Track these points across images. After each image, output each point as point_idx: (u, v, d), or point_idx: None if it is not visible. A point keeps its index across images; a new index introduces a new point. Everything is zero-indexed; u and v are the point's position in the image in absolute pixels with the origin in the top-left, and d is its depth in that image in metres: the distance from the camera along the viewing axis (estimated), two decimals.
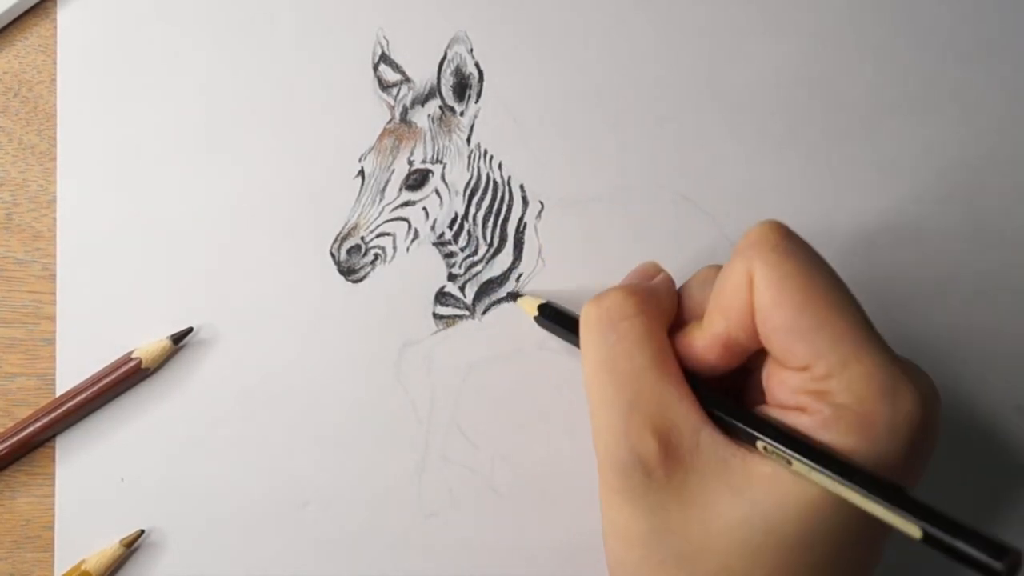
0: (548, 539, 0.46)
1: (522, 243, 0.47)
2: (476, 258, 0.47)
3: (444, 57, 0.48)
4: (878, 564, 0.39)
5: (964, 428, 0.47)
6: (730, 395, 0.40)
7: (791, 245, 0.37)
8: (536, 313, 0.46)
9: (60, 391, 0.46)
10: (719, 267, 0.39)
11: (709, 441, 0.37)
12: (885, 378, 0.35)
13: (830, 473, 0.34)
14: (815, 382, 0.35)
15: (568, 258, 0.47)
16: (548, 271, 0.47)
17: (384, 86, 0.48)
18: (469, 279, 0.47)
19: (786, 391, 0.36)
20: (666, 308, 0.40)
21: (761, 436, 0.36)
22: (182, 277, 0.47)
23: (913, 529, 0.32)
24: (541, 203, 0.48)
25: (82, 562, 0.45)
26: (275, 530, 0.46)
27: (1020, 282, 0.48)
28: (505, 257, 0.47)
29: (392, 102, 0.48)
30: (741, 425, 0.37)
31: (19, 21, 0.48)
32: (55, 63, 0.48)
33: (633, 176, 0.48)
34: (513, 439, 0.47)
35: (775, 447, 0.35)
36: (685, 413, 0.37)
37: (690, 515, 0.36)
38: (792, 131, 0.48)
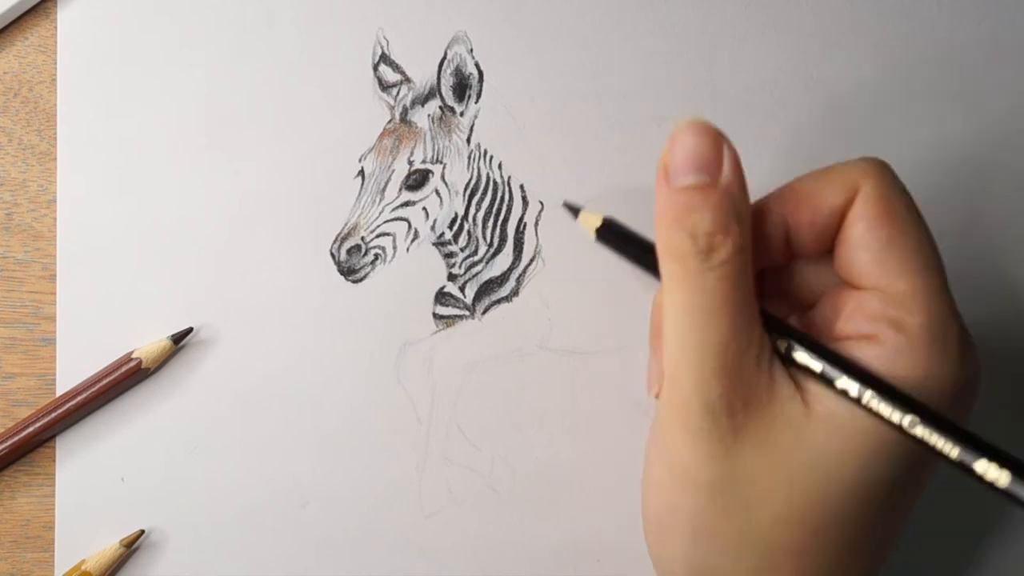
0: (548, 539, 0.47)
1: (522, 243, 0.47)
2: (476, 258, 0.47)
3: (444, 57, 0.48)
4: (913, 510, 0.39)
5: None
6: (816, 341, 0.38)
7: (898, 179, 0.37)
8: (594, 236, 0.41)
9: (60, 391, 0.46)
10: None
11: (778, 383, 0.36)
12: (956, 321, 0.35)
13: (904, 411, 0.34)
14: (893, 305, 0.35)
15: (568, 258, 0.47)
16: (548, 271, 0.47)
17: (384, 86, 0.48)
18: (469, 279, 0.47)
19: (860, 318, 0.36)
20: (750, 227, 0.37)
21: (839, 373, 0.35)
22: (182, 277, 0.47)
23: (1000, 475, 0.32)
24: (541, 203, 0.48)
25: (82, 562, 0.45)
26: (275, 530, 0.46)
27: (1020, 283, 0.48)
28: (505, 257, 0.47)
29: (392, 102, 0.48)
30: (818, 363, 0.36)
31: (19, 21, 0.48)
32: (55, 63, 0.48)
33: (633, 176, 0.48)
34: (513, 439, 0.47)
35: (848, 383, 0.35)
36: (763, 358, 0.36)
37: (758, 461, 0.36)
38: (792, 131, 0.48)
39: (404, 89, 0.48)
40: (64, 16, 0.48)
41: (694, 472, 0.37)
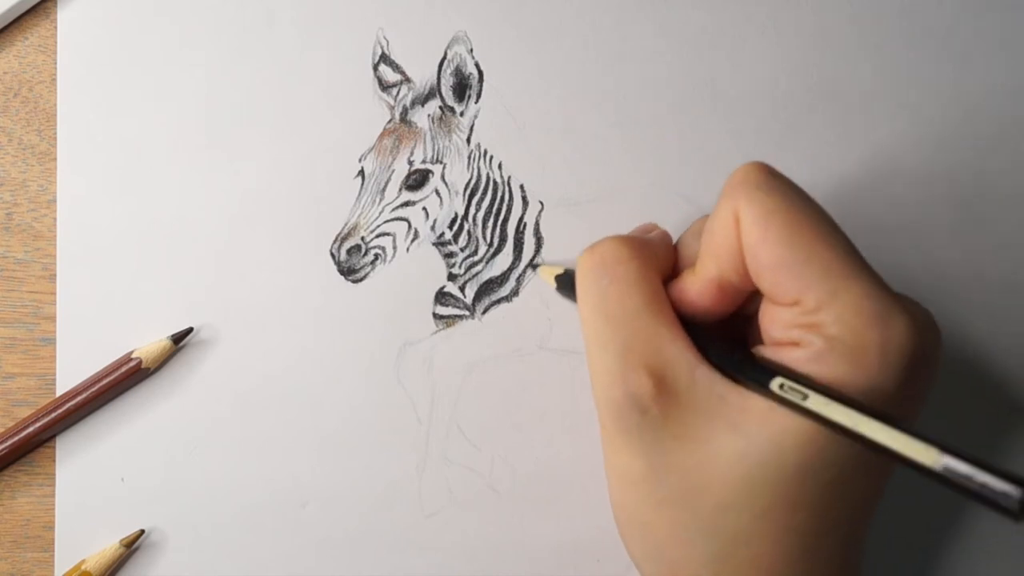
0: (548, 539, 0.47)
1: (522, 243, 0.47)
2: (476, 258, 0.47)
3: (444, 57, 0.48)
4: (879, 501, 0.39)
5: (961, 430, 0.47)
6: (733, 342, 0.39)
7: (775, 182, 0.37)
8: (555, 284, 0.46)
9: (60, 391, 0.46)
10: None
11: (705, 378, 0.37)
12: (875, 306, 0.35)
13: (824, 404, 0.34)
14: (806, 315, 0.35)
15: (568, 258, 0.47)
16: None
17: (384, 86, 0.48)
18: (469, 279, 0.47)
19: (779, 327, 0.36)
20: (661, 257, 0.40)
21: (755, 376, 0.36)
22: (182, 277, 0.47)
23: (928, 455, 0.31)
24: (541, 203, 0.48)
25: (82, 562, 0.45)
26: (275, 530, 0.46)
27: (1020, 283, 0.48)
28: (505, 257, 0.47)
29: (392, 102, 0.48)
30: (730, 364, 0.37)
31: (19, 21, 0.48)
32: (55, 63, 0.48)
33: (633, 176, 0.48)
34: (513, 439, 0.47)
35: (783, 385, 0.35)
36: (679, 352, 0.37)
37: (687, 452, 0.36)
38: (791, 131, 0.48)
39: (404, 89, 0.48)
40: (64, 16, 0.48)
41: (629, 469, 0.38)
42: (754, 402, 0.36)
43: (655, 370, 0.37)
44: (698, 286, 0.39)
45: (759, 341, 0.39)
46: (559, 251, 0.47)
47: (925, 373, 0.36)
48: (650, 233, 0.42)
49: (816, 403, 0.34)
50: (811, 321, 0.35)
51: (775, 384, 0.35)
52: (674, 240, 0.42)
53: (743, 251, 0.36)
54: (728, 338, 0.39)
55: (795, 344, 0.36)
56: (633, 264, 0.39)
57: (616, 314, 0.38)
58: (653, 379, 0.37)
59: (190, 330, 0.47)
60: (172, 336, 0.46)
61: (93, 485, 0.46)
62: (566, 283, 0.45)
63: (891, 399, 0.34)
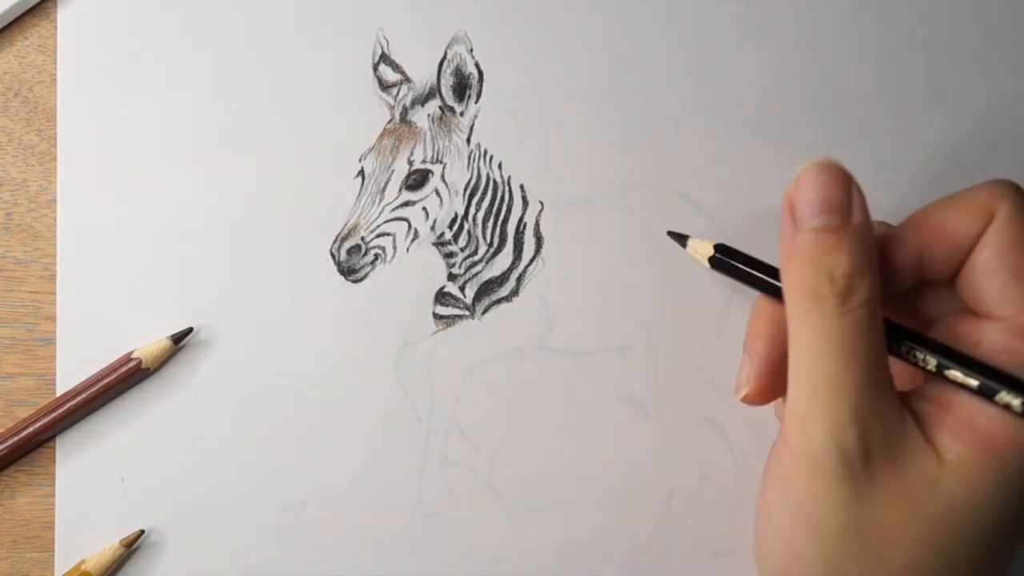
0: (548, 539, 0.47)
1: (522, 243, 0.47)
2: (476, 258, 0.47)
3: (444, 57, 0.48)
4: None
5: None
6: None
7: None
8: (711, 255, 0.42)
9: (60, 391, 0.46)
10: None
11: (915, 437, 0.36)
12: None
13: None
14: (1015, 336, 0.35)
15: (568, 258, 0.47)
16: (548, 271, 0.47)
17: (384, 86, 0.48)
18: (469, 279, 0.47)
19: (989, 347, 0.36)
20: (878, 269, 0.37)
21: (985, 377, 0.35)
22: (182, 277, 0.47)
23: None
24: (541, 203, 0.48)
25: (82, 562, 0.45)
26: (275, 530, 0.46)
27: None
28: (505, 257, 0.47)
29: (392, 102, 0.48)
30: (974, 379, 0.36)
31: (19, 21, 0.48)
32: (55, 63, 0.48)
33: (633, 176, 0.48)
34: (513, 439, 0.47)
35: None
36: (891, 402, 0.36)
37: (895, 510, 0.35)
38: (792, 131, 0.48)
39: (404, 89, 0.48)
40: (64, 16, 0.48)
41: (825, 519, 0.36)
42: (959, 461, 0.35)
43: (871, 422, 0.35)
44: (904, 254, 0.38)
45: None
46: (559, 251, 0.47)
47: None
48: (856, 212, 0.36)
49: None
50: (1018, 347, 0.35)
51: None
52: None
53: (976, 246, 0.36)
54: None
55: None
56: (872, 305, 0.35)
57: (847, 355, 0.35)
58: (868, 432, 0.35)
59: (190, 330, 0.47)
60: (172, 336, 0.46)
61: (93, 485, 0.46)
62: (726, 264, 0.42)
63: None
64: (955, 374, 0.36)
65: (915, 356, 0.37)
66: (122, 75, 0.48)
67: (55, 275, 0.47)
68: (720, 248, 0.42)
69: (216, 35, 0.48)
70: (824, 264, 0.35)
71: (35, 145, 0.48)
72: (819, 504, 0.36)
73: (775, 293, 0.39)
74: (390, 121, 0.48)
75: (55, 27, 0.48)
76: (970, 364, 0.35)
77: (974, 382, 0.35)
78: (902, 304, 0.40)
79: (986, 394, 0.35)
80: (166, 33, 0.48)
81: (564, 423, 0.47)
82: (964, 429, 0.35)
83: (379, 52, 0.48)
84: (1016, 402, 0.34)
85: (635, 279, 0.47)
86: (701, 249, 0.43)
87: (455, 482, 0.47)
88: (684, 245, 0.44)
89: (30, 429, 0.45)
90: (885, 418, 0.35)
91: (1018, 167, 0.48)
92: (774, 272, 0.40)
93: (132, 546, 0.46)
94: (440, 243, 0.47)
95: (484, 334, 0.47)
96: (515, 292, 0.47)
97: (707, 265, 0.42)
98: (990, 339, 0.36)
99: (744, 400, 0.40)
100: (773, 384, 0.39)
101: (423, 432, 0.47)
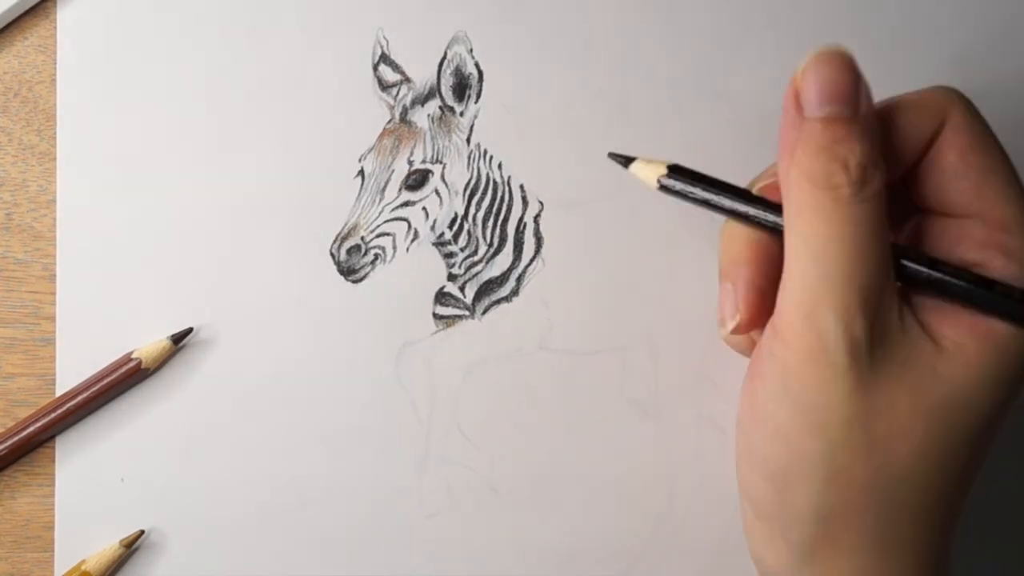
0: (548, 539, 0.47)
1: (522, 243, 0.47)
2: (476, 258, 0.47)
3: (444, 57, 0.48)
4: None
5: None
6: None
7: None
8: (662, 177, 0.40)
9: (60, 391, 0.46)
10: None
11: (912, 325, 0.36)
12: None
13: None
14: (998, 232, 0.36)
15: (568, 258, 0.47)
16: (548, 271, 0.47)
17: (384, 86, 0.48)
18: (469, 279, 0.47)
19: (966, 247, 0.36)
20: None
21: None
22: (182, 277, 0.47)
23: None
24: (541, 203, 0.48)
25: (82, 562, 0.45)
26: (275, 530, 0.46)
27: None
28: (505, 257, 0.47)
29: (392, 102, 0.48)
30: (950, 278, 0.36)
31: (19, 21, 0.48)
32: (55, 63, 0.48)
33: (633, 176, 0.48)
34: (513, 439, 0.47)
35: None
36: (892, 294, 0.36)
37: (900, 397, 0.35)
38: None
39: (404, 89, 0.48)
40: (64, 16, 0.48)
41: (830, 411, 0.36)
42: (955, 347, 0.36)
43: (878, 312, 0.35)
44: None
45: None
46: (559, 251, 0.47)
47: None
48: (863, 100, 0.36)
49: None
50: (1000, 239, 0.36)
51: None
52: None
53: (934, 148, 0.37)
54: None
55: (977, 266, 0.36)
56: (882, 195, 0.35)
57: (862, 243, 0.34)
58: (875, 321, 0.35)
59: (190, 330, 0.47)
60: (172, 336, 0.46)
61: (93, 485, 0.46)
62: (678, 185, 0.40)
63: None
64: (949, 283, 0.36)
65: (906, 270, 0.37)
66: (122, 75, 0.48)
67: (55, 275, 0.47)
68: (674, 168, 0.40)
69: (216, 35, 0.48)
70: (838, 152, 0.34)
71: (35, 145, 0.48)
72: (824, 395, 0.36)
73: (742, 216, 0.39)
74: (390, 121, 0.48)
75: (55, 27, 0.48)
76: (961, 276, 0.36)
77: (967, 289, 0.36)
78: None
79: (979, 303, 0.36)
80: (166, 33, 0.48)
81: (564, 423, 0.47)
82: (961, 319, 0.36)
83: (379, 52, 0.48)
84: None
85: (635, 279, 0.47)
86: (649, 171, 0.40)
87: (455, 482, 0.47)
88: (627, 167, 0.41)
89: (30, 429, 0.45)
90: (888, 309, 0.35)
91: (1017, 166, 0.48)
92: (741, 193, 0.39)
93: (132, 546, 0.46)
94: (440, 243, 0.47)
95: (484, 334, 0.47)
96: (515, 292, 0.47)
97: (654, 187, 0.40)
98: (971, 235, 0.36)
99: (735, 331, 0.39)
100: (763, 310, 0.39)
101: (423, 432, 0.47)
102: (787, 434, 0.37)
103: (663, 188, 0.40)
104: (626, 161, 0.41)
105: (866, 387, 0.35)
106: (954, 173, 0.36)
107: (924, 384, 0.35)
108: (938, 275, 0.36)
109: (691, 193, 0.39)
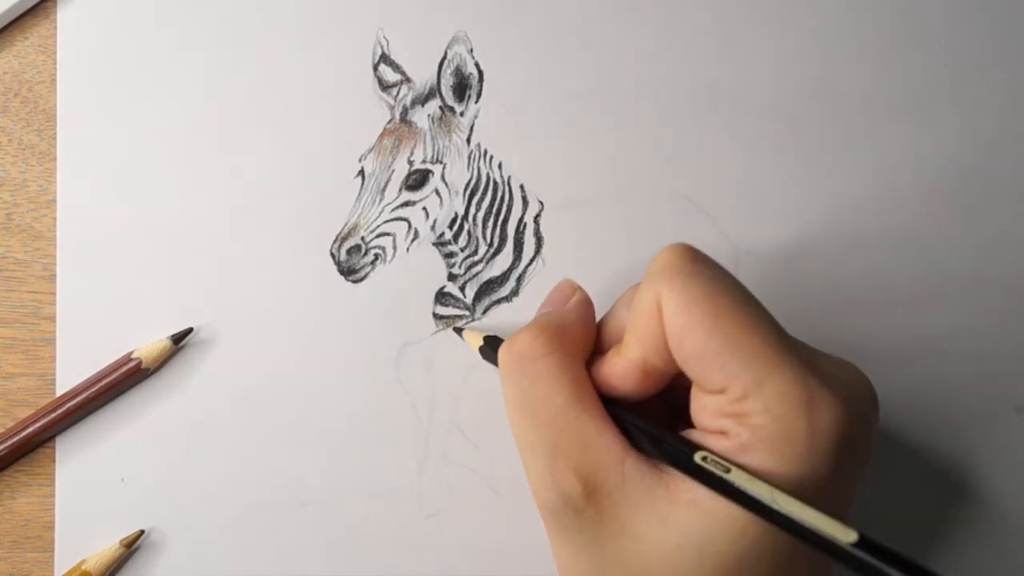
0: (547, 539, 0.46)
1: (522, 243, 0.47)
2: (476, 258, 0.47)
3: (444, 57, 0.48)
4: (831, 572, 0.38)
5: (964, 429, 0.47)
6: (658, 423, 0.38)
7: (697, 268, 0.36)
8: (479, 352, 0.45)
9: (60, 391, 0.46)
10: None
11: (633, 471, 0.36)
12: (800, 393, 0.34)
13: (747, 480, 0.33)
14: (732, 404, 0.34)
15: (568, 258, 0.47)
16: (548, 271, 0.47)
17: (384, 86, 0.48)
18: (469, 279, 0.47)
19: (707, 415, 0.36)
20: (580, 338, 0.40)
21: (679, 456, 0.35)
22: (182, 277, 0.47)
23: (845, 534, 0.31)
24: (541, 203, 0.48)
25: (82, 562, 0.45)
26: (275, 530, 0.46)
27: (1019, 283, 0.48)
28: (505, 257, 0.48)
29: (392, 102, 0.48)
30: (655, 446, 0.36)
31: (19, 21, 0.48)
32: (55, 63, 0.48)
33: (633, 176, 0.48)
34: (513, 439, 0.47)
35: (706, 457, 0.34)
36: (607, 447, 0.36)
37: (625, 548, 0.36)
38: (791, 131, 0.48)
39: (404, 89, 0.48)
40: (64, 16, 0.48)
41: (573, 563, 0.37)
42: (682, 493, 0.35)
43: (584, 472, 0.36)
44: (621, 368, 0.38)
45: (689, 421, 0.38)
46: (559, 251, 0.47)
47: (858, 456, 0.36)
48: (570, 300, 0.41)
49: (739, 477, 0.33)
50: (738, 410, 0.34)
51: (699, 456, 0.34)
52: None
53: (667, 338, 0.36)
54: (655, 418, 0.38)
55: (723, 433, 0.35)
56: (552, 359, 0.38)
57: (541, 415, 0.37)
58: (583, 482, 0.36)
59: (190, 330, 0.47)
60: (172, 336, 0.46)
61: (93, 485, 0.46)
62: (490, 353, 0.44)
63: (823, 486, 0.34)
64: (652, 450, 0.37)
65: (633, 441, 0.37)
66: (122, 75, 0.48)
67: (55, 275, 0.47)
68: (489, 340, 0.45)
69: (216, 35, 0.48)
70: (513, 350, 0.39)
71: (35, 145, 0.48)
72: (562, 550, 0.38)
73: None
74: (390, 121, 0.48)
75: (55, 27, 0.48)
76: (659, 441, 0.37)
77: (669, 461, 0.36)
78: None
79: (685, 469, 0.35)
80: (165, 33, 0.48)
81: None
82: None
83: (379, 52, 0.48)
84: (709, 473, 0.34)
85: (635, 279, 0.47)
86: (469, 340, 0.46)
87: (455, 482, 0.47)
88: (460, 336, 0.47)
89: (30, 429, 0.45)
90: (605, 463, 0.36)
91: (1017, 166, 0.48)
92: None
93: (132, 546, 0.46)
94: (440, 243, 0.47)
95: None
96: (515, 292, 0.47)
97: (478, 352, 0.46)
98: (710, 406, 0.36)
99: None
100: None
101: (423, 432, 0.47)
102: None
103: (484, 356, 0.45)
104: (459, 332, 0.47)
105: (593, 541, 0.36)
106: (680, 361, 0.36)
107: (653, 535, 0.35)
108: (656, 449, 0.36)
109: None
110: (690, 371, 0.36)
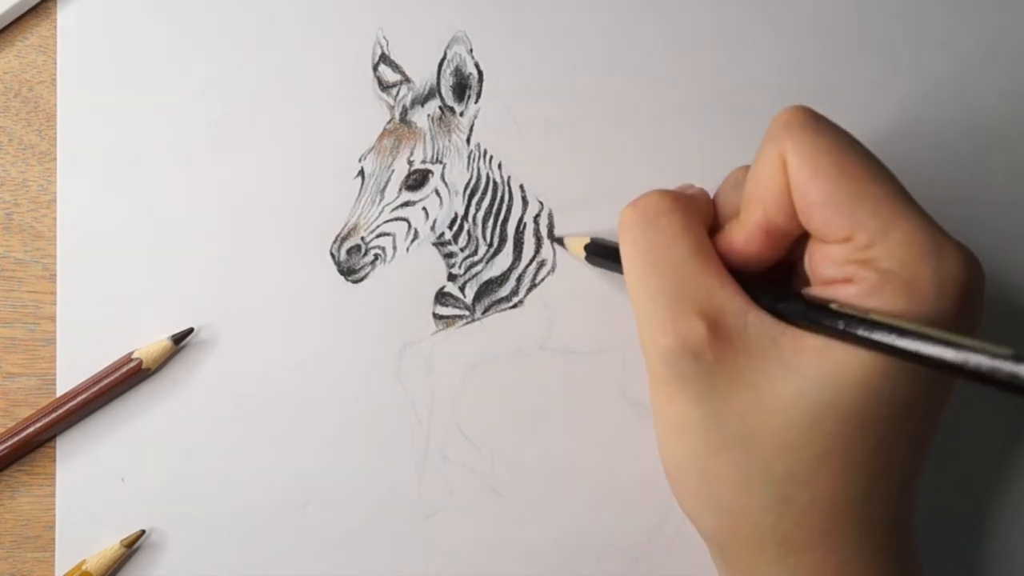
0: (548, 539, 0.47)
1: (522, 243, 0.47)
2: (476, 258, 0.47)
3: (444, 57, 0.48)
4: (933, 439, 0.39)
5: (964, 429, 0.47)
6: (782, 286, 0.39)
7: (820, 123, 0.37)
8: (584, 254, 0.46)
9: (60, 391, 0.46)
10: (748, 167, 0.39)
11: (756, 321, 0.37)
12: (927, 240, 0.35)
13: (889, 333, 0.34)
14: (859, 251, 0.35)
15: (568, 258, 0.47)
16: (547, 271, 0.47)
17: (384, 86, 0.48)
18: (469, 279, 0.47)
19: (830, 265, 0.36)
20: (703, 208, 0.40)
21: (808, 314, 0.36)
22: (183, 277, 0.47)
23: (1003, 351, 0.32)
24: (541, 203, 0.48)
25: (83, 562, 0.45)
26: (275, 530, 0.46)
27: (1020, 283, 0.48)
28: (505, 257, 0.48)
29: (392, 102, 0.48)
30: (783, 305, 0.37)
31: (19, 21, 0.48)
32: (55, 63, 0.48)
33: (633, 176, 0.48)
34: (513, 439, 0.47)
35: (840, 308, 0.35)
36: (729, 296, 0.37)
37: (744, 396, 0.36)
38: None
39: (404, 89, 0.48)
40: (64, 16, 0.48)
41: (683, 417, 0.38)
42: (808, 341, 0.36)
43: (707, 315, 0.37)
44: (745, 233, 0.39)
45: (803, 286, 0.39)
46: (560, 251, 0.47)
47: (976, 305, 0.36)
48: (689, 190, 0.42)
49: (880, 316, 0.34)
50: (864, 257, 0.35)
51: (833, 305, 0.35)
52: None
53: (791, 192, 0.37)
54: (777, 283, 0.39)
55: (848, 281, 0.36)
56: (677, 215, 0.39)
57: (664, 263, 0.38)
58: (706, 323, 0.37)
59: (190, 330, 0.47)
60: (173, 336, 0.46)
61: (93, 485, 0.46)
62: (597, 251, 0.45)
63: (948, 329, 0.34)
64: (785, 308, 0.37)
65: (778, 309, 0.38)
66: (122, 75, 0.48)
67: (55, 275, 0.47)
68: (591, 245, 0.46)
69: (216, 35, 0.48)
70: (639, 205, 0.40)
71: (35, 145, 0.48)
72: (675, 404, 0.38)
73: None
74: (390, 121, 0.48)
75: (55, 27, 0.48)
76: (779, 295, 0.37)
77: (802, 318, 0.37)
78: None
79: (819, 326, 0.36)
80: (166, 33, 0.48)
81: (564, 423, 0.47)
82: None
83: (379, 52, 0.48)
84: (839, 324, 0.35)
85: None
86: (573, 247, 0.47)
87: (455, 482, 0.47)
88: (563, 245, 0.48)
89: (30, 429, 0.45)
90: (721, 309, 0.37)
91: (1018, 166, 0.48)
92: None
93: (133, 546, 0.46)
94: (440, 243, 0.47)
95: (484, 334, 0.47)
96: (515, 292, 0.47)
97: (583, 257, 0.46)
98: (832, 256, 0.36)
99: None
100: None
101: (423, 432, 0.47)
102: (661, 440, 0.40)
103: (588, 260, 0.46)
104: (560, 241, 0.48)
105: (710, 390, 0.37)
106: (802, 212, 0.37)
107: (773, 382, 0.36)
108: (780, 305, 0.37)
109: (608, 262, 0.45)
110: (814, 222, 0.36)
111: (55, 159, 0.48)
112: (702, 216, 0.40)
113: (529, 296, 0.47)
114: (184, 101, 0.48)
